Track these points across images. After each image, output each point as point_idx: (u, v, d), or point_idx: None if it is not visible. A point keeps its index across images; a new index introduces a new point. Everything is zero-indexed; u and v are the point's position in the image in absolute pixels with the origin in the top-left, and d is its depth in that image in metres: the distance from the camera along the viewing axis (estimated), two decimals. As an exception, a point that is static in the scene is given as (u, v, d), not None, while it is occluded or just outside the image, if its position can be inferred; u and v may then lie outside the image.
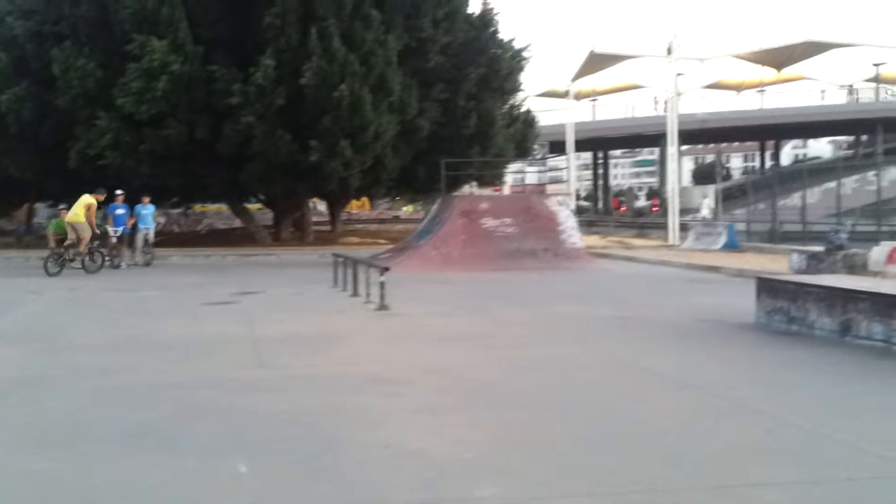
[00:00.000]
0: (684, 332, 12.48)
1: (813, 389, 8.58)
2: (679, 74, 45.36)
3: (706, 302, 15.99)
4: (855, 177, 41.11)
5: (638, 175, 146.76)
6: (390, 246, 30.69)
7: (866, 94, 72.90)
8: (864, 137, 76.60)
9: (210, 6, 30.03)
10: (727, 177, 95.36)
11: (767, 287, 12.97)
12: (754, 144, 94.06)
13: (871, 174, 32.22)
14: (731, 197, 51.61)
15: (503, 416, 7.62)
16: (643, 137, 69.08)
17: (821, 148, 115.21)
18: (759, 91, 74.18)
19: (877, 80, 72.24)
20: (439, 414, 7.60)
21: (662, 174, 53.16)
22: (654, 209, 70.53)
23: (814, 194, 37.20)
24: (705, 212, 37.81)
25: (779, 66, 70.94)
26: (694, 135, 65.70)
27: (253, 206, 44.71)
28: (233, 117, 29.25)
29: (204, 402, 8.04)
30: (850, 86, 74.84)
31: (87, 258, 23.35)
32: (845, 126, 74.42)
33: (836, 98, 71.91)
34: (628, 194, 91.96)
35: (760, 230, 33.90)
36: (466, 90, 33.05)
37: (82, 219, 23.19)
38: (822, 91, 73.55)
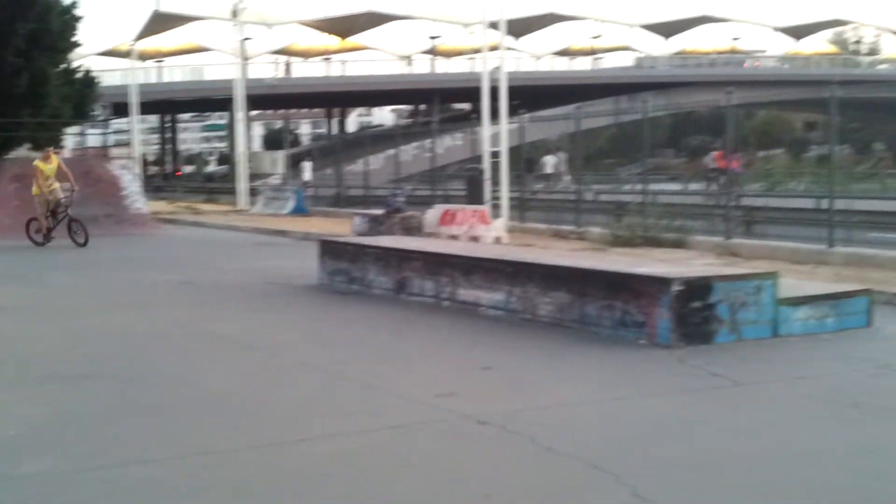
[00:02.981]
0: (251, 295, 12.55)
1: (369, 345, 8.99)
2: (246, 39, 45.35)
3: (273, 265, 16.20)
4: (414, 144, 43.53)
5: (208, 139, 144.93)
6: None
7: (424, 65, 77.30)
8: (422, 107, 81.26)
9: None
10: (296, 143, 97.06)
11: (329, 249, 13.40)
12: (322, 111, 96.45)
13: (427, 142, 34.21)
14: (300, 162, 52.50)
15: (59, 388, 7.24)
16: (212, 101, 68.14)
17: (384, 116, 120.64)
18: (325, 59, 76.12)
19: (433, 52, 76.86)
20: (-17, 392, 7.04)
21: (232, 139, 52.94)
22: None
23: (377, 160, 38.89)
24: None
25: (343, 35, 73.30)
26: (263, 100, 66.02)
27: None
28: None
29: None
30: (409, 57, 78.99)
31: None
32: (406, 95, 78.44)
33: (397, 69, 75.54)
34: (198, 159, 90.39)
35: (327, 195, 34.88)
36: (15, 46, 30.65)
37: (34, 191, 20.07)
38: (385, 62, 77.05)
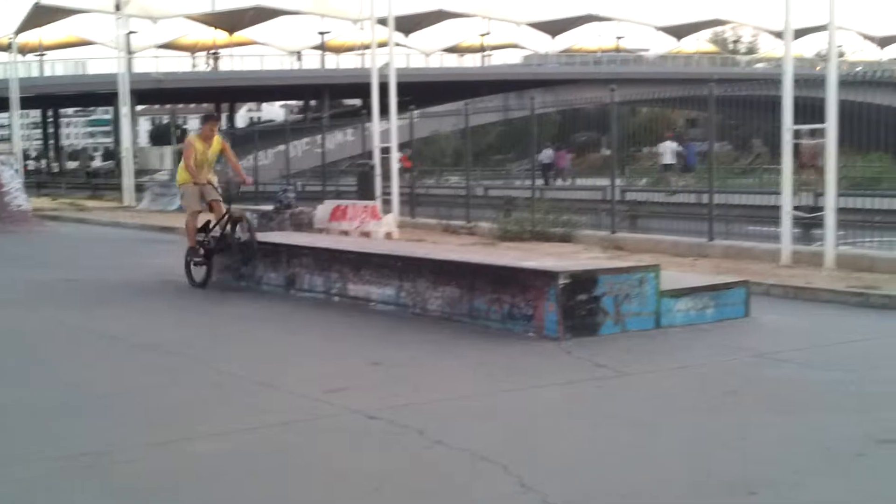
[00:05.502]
0: (138, 292, 12.33)
1: (258, 341, 8.95)
2: (131, 32, 44.36)
3: (161, 262, 15.89)
4: (305, 139, 43.22)
5: (93, 135, 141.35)
6: None
7: (314, 61, 76.73)
8: (313, 102, 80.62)
9: None
10: (184, 138, 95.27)
11: (218, 245, 13.20)
12: (211, 106, 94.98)
13: (318, 137, 33.96)
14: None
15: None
16: (97, 96, 66.42)
17: (274, 111, 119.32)
18: (213, 54, 74.96)
19: (322, 48, 76.33)
20: None
21: (117, 134, 51.75)
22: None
23: (268, 156, 38.49)
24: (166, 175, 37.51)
25: (231, 30, 72.25)
26: (149, 95, 64.61)
27: None
28: None
29: None
30: (299, 52, 78.26)
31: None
32: (296, 91, 77.73)
33: (286, 64, 74.79)
34: (83, 154, 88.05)
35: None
36: None
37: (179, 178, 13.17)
38: (274, 57, 76.24)
